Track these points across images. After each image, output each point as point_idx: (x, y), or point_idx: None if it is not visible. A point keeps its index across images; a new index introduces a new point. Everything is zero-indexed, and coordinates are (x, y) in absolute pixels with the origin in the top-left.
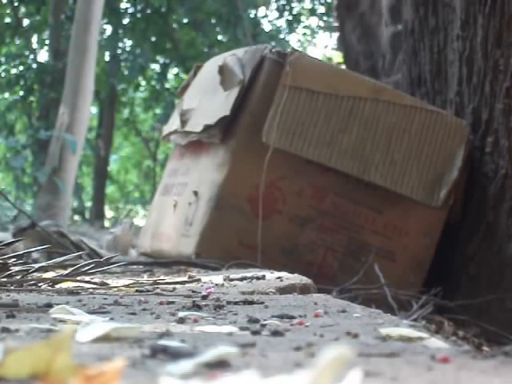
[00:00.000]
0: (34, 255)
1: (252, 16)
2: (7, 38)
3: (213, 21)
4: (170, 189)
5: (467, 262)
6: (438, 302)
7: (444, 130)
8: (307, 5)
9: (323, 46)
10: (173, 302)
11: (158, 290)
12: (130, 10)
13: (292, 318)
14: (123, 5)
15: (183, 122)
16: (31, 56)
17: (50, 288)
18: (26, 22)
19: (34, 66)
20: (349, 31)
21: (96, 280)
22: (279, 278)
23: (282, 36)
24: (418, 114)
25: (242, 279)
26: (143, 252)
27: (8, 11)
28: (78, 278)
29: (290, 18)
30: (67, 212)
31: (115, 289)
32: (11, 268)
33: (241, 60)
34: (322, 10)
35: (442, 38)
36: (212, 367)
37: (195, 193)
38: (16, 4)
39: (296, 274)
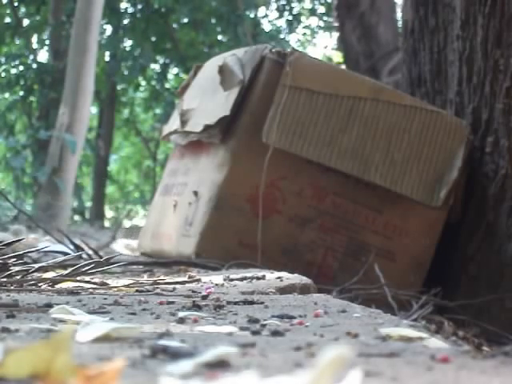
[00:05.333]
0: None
1: (252, 16)
2: (7, 38)
3: (213, 21)
4: (170, 189)
5: (467, 262)
6: (437, 302)
7: (444, 130)
8: (307, 5)
9: (323, 46)
10: (173, 302)
11: (158, 290)
12: (130, 10)
13: (292, 318)
14: (123, 5)
15: (183, 122)
16: (31, 56)
17: (50, 288)
18: (26, 22)
19: (34, 66)
20: (349, 31)
21: (96, 280)
22: (279, 277)
23: (282, 36)
24: (418, 114)
25: (242, 279)
26: (143, 252)
27: (8, 11)
28: (78, 278)
29: (290, 18)
30: (67, 212)
31: (115, 289)
32: (11, 268)
33: (241, 60)
34: (322, 10)
35: (442, 38)
36: (212, 367)
37: (195, 193)
38: (16, 4)
39: (296, 274)
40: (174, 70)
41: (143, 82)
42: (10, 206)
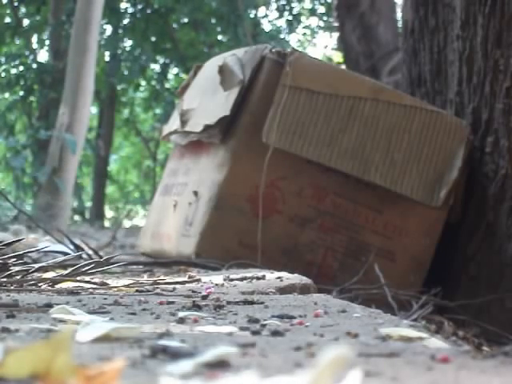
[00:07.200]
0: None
1: (252, 16)
2: (7, 38)
3: (213, 21)
4: (169, 189)
5: (467, 262)
6: (438, 302)
7: (444, 130)
8: (307, 5)
9: (323, 46)
10: (173, 302)
11: (158, 290)
12: (130, 10)
13: (292, 318)
14: (123, 5)
15: (183, 122)
16: (31, 56)
17: (50, 288)
18: (26, 22)
19: (34, 66)
20: (349, 31)
21: (96, 280)
22: (279, 277)
23: (282, 36)
24: (418, 114)
25: (242, 279)
26: (143, 252)
27: (8, 11)
28: (78, 278)
29: (290, 18)
30: (67, 212)
31: (115, 289)
32: (11, 268)
33: (241, 60)
34: (322, 10)
35: (442, 38)
36: (212, 367)
37: (195, 193)
38: (16, 4)
39: (296, 274)
40: (174, 70)
41: (143, 82)
42: (10, 206)
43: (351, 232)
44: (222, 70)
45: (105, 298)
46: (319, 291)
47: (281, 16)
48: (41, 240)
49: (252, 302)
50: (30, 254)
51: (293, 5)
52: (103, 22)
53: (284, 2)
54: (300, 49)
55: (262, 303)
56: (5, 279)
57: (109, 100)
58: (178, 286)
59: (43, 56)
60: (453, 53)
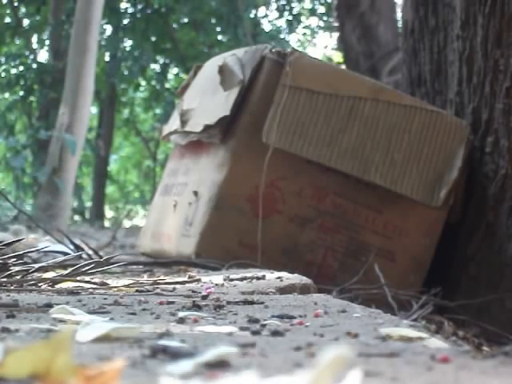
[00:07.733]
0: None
1: (252, 16)
2: (7, 38)
3: (213, 21)
4: (169, 189)
5: (467, 262)
6: (438, 302)
7: (444, 130)
8: (307, 5)
9: (323, 46)
10: (173, 302)
11: (158, 290)
12: (130, 10)
13: (292, 318)
14: (123, 5)
15: (183, 122)
16: (31, 56)
17: (50, 288)
18: (26, 22)
19: (34, 66)
20: (349, 31)
21: (96, 280)
22: (279, 277)
23: (282, 36)
24: (418, 114)
25: (242, 279)
26: (143, 252)
27: (8, 11)
28: (78, 278)
29: (290, 18)
30: (67, 212)
31: (115, 289)
32: (11, 268)
33: (241, 60)
34: (322, 10)
35: (442, 38)
36: (212, 367)
37: (195, 193)
38: (16, 4)
39: (296, 274)
40: (174, 70)
41: (143, 82)
42: (10, 206)
43: (351, 232)
44: (222, 70)
45: (105, 298)
46: (319, 291)
47: (281, 16)
48: (41, 240)
49: (252, 302)
50: (30, 254)
51: (293, 5)
52: (103, 22)
53: (284, 2)
54: (300, 49)
55: (262, 303)
56: (5, 279)
57: (109, 100)
58: (178, 285)
59: (43, 56)
60: (453, 53)
